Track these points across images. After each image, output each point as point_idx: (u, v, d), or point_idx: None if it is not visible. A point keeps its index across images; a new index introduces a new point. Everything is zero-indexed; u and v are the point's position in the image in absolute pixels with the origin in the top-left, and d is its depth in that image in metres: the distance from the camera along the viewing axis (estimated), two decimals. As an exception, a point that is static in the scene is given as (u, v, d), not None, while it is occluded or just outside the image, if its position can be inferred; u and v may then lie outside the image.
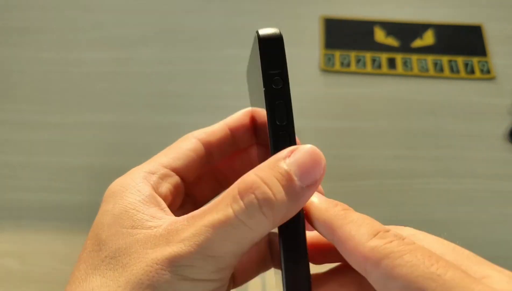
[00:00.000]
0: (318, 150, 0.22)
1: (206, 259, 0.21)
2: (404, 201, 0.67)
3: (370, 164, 0.71)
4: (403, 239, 0.20)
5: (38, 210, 0.66)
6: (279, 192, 0.21)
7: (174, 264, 0.21)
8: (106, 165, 0.70)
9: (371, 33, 0.84)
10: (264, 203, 0.21)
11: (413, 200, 0.67)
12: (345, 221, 0.21)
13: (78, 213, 0.65)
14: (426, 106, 0.76)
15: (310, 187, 0.21)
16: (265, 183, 0.21)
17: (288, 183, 0.21)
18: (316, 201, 0.23)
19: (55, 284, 0.61)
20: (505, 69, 0.80)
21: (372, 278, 0.19)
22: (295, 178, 0.21)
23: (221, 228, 0.21)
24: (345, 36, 0.84)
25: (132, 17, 0.86)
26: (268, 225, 0.21)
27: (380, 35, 0.84)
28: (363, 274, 0.20)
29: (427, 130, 0.74)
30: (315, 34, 0.84)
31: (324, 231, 0.22)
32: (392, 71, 0.79)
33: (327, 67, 0.79)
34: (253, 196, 0.21)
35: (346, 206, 0.23)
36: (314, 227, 0.23)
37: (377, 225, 0.21)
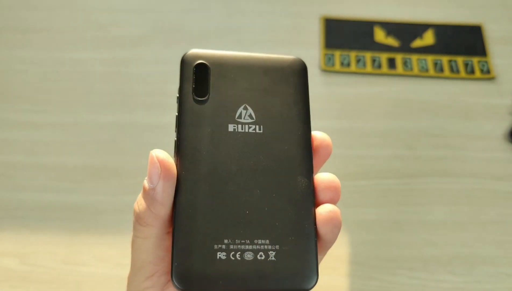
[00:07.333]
0: (153, 153, 0.26)
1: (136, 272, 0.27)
2: (404, 201, 0.67)
3: (370, 164, 0.71)
4: None
5: (38, 210, 0.66)
6: (141, 202, 0.27)
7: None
8: (106, 165, 0.70)
9: (371, 33, 0.84)
10: (137, 218, 0.27)
11: (413, 200, 0.67)
12: None
13: (78, 213, 0.65)
14: (426, 106, 0.76)
15: (160, 185, 0.25)
16: (136, 202, 0.27)
17: (143, 191, 0.26)
18: None
19: (55, 284, 0.61)
20: (505, 69, 0.80)
21: None
22: (146, 183, 0.26)
23: (132, 247, 0.28)
24: (345, 36, 0.84)
25: (132, 17, 0.86)
26: (150, 230, 0.26)
27: (380, 35, 0.84)
28: None
29: (427, 130, 0.74)
30: (315, 34, 0.84)
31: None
32: (392, 71, 0.79)
33: (327, 67, 0.79)
34: (134, 218, 0.27)
35: None
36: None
37: None
